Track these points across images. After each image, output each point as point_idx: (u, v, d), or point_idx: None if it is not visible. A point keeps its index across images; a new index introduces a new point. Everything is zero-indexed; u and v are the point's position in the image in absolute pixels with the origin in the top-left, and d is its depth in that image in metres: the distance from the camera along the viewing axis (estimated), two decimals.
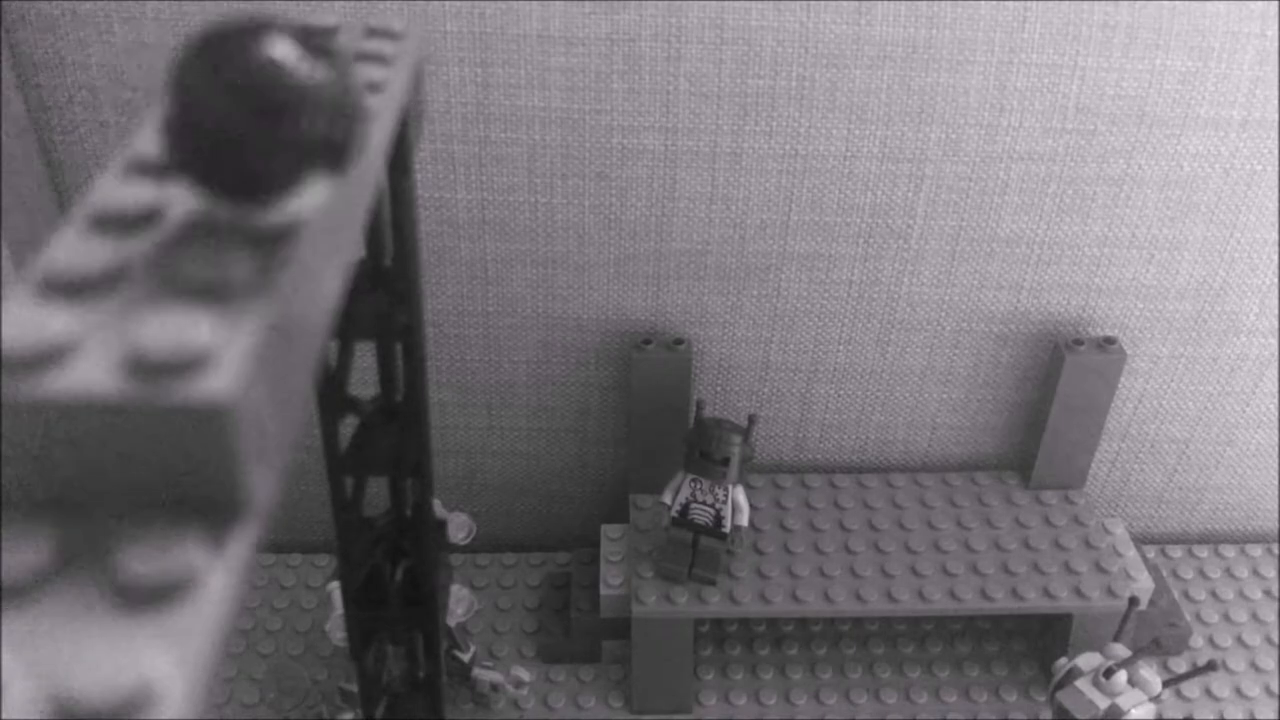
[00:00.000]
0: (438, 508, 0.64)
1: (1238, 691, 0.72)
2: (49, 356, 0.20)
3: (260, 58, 0.23)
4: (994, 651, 0.74)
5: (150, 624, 0.19)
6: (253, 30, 0.23)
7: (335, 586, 0.63)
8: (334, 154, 0.24)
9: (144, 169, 0.27)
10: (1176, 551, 0.82)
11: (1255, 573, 0.80)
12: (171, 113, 0.23)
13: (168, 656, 0.19)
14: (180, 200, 0.25)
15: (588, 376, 0.76)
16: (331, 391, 0.44)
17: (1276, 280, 0.73)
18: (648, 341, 0.71)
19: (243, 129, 0.23)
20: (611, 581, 0.70)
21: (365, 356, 0.46)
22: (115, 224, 0.25)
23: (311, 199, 0.25)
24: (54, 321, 0.21)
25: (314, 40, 0.24)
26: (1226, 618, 0.77)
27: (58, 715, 0.18)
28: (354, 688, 0.61)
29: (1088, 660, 0.61)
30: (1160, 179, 0.69)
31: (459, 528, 0.66)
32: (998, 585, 0.68)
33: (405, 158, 0.40)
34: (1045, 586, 0.68)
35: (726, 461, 0.65)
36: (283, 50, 0.23)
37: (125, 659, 0.18)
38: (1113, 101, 0.66)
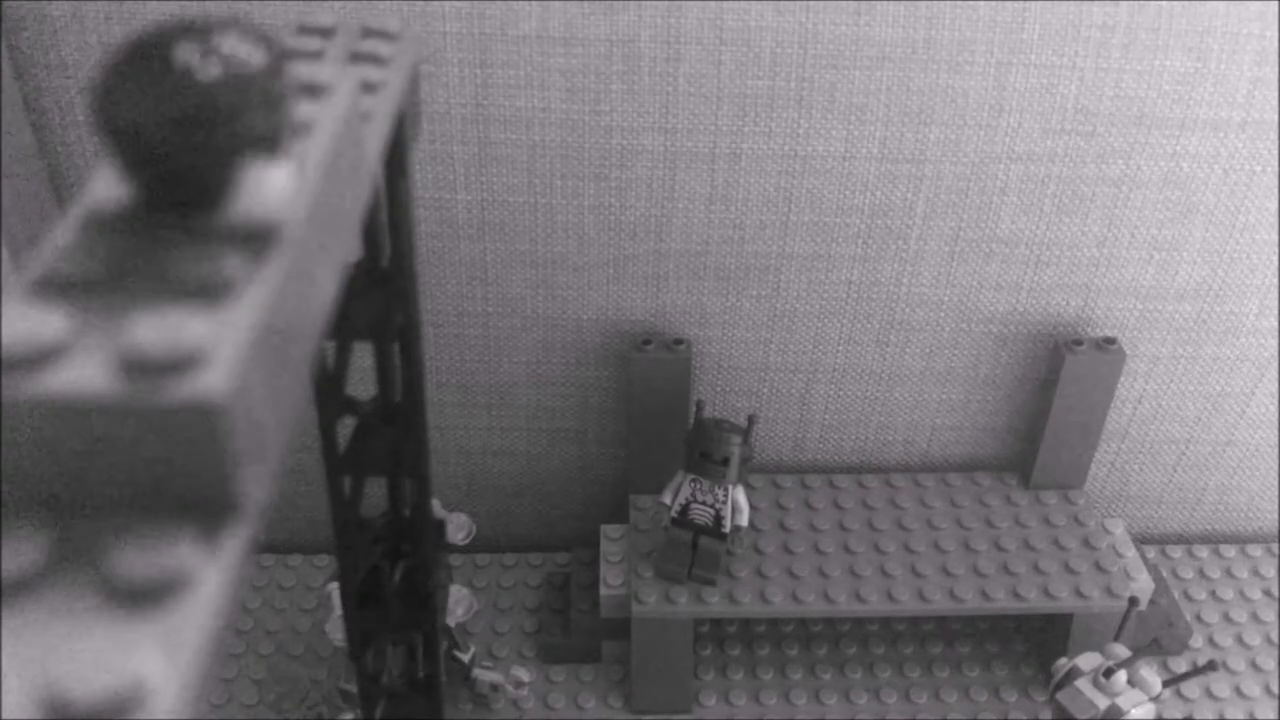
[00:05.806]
0: (437, 508, 0.64)
1: (1238, 691, 0.72)
2: (44, 356, 0.20)
3: (170, 66, 0.23)
4: (994, 651, 0.74)
5: (143, 623, 0.19)
6: (163, 38, 0.23)
7: (335, 587, 0.63)
8: (265, 143, 0.24)
9: None
10: (1176, 551, 0.82)
11: (1255, 573, 0.80)
12: (101, 132, 0.23)
13: (161, 655, 0.19)
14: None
15: (588, 376, 0.76)
16: (330, 392, 0.44)
17: (1276, 280, 0.73)
18: (648, 341, 0.71)
19: (166, 138, 0.23)
20: (611, 581, 0.70)
21: (364, 357, 0.46)
22: (110, 224, 0.25)
23: (277, 190, 0.25)
24: (49, 321, 0.21)
25: (239, 31, 0.24)
26: (1226, 618, 0.77)
27: (51, 714, 0.18)
28: (354, 688, 0.61)
29: (1088, 660, 0.61)
30: (1160, 180, 0.69)
31: (458, 528, 0.66)
32: (998, 585, 0.68)
33: (402, 158, 0.40)
34: (1045, 586, 0.68)
35: (726, 462, 0.65)
36: (191, 53, 0.23)
37: (118, 658, 0.18)
38: (1112, 102, 0.66)
